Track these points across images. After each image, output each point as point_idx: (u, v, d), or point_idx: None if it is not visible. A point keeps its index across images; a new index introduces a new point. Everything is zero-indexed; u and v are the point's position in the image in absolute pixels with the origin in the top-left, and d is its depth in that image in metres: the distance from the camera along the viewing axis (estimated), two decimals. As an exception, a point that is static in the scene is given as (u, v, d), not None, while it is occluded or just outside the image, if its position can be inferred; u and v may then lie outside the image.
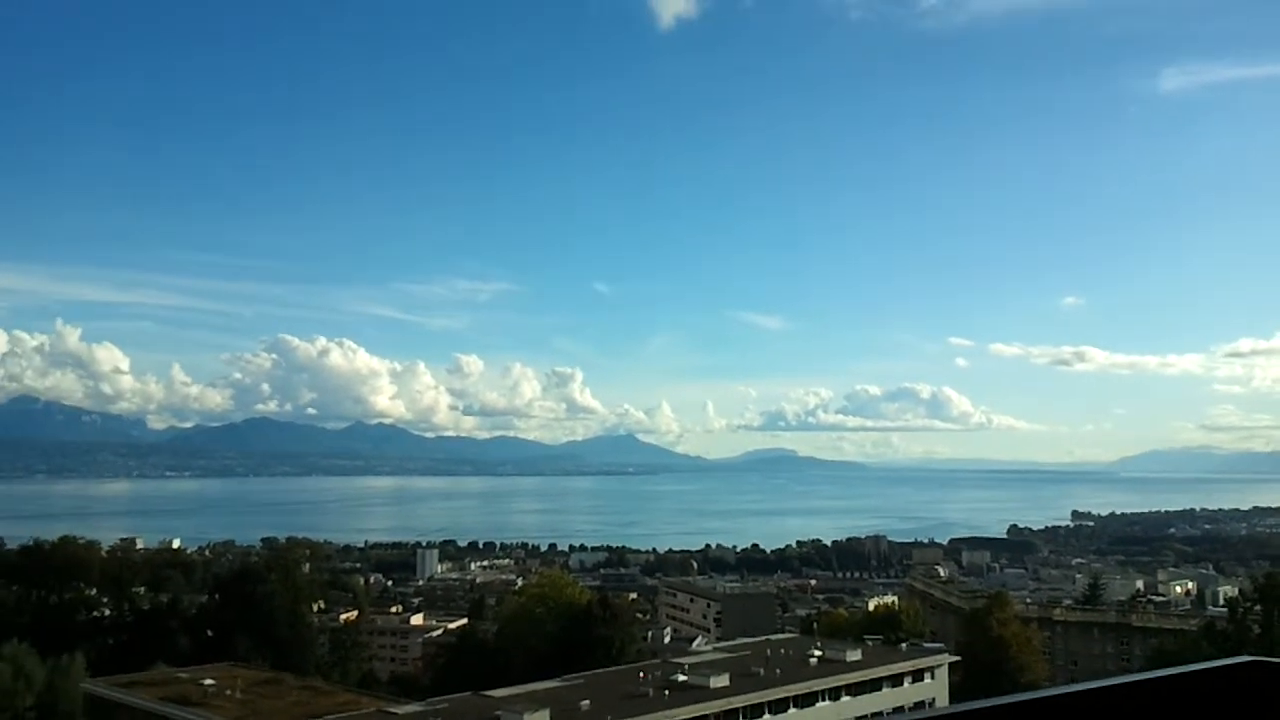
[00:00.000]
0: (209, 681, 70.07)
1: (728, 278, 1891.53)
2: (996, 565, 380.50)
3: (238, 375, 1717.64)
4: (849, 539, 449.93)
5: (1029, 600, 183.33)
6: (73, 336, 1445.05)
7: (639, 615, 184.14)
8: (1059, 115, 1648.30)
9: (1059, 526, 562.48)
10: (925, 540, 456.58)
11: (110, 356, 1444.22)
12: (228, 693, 67.03)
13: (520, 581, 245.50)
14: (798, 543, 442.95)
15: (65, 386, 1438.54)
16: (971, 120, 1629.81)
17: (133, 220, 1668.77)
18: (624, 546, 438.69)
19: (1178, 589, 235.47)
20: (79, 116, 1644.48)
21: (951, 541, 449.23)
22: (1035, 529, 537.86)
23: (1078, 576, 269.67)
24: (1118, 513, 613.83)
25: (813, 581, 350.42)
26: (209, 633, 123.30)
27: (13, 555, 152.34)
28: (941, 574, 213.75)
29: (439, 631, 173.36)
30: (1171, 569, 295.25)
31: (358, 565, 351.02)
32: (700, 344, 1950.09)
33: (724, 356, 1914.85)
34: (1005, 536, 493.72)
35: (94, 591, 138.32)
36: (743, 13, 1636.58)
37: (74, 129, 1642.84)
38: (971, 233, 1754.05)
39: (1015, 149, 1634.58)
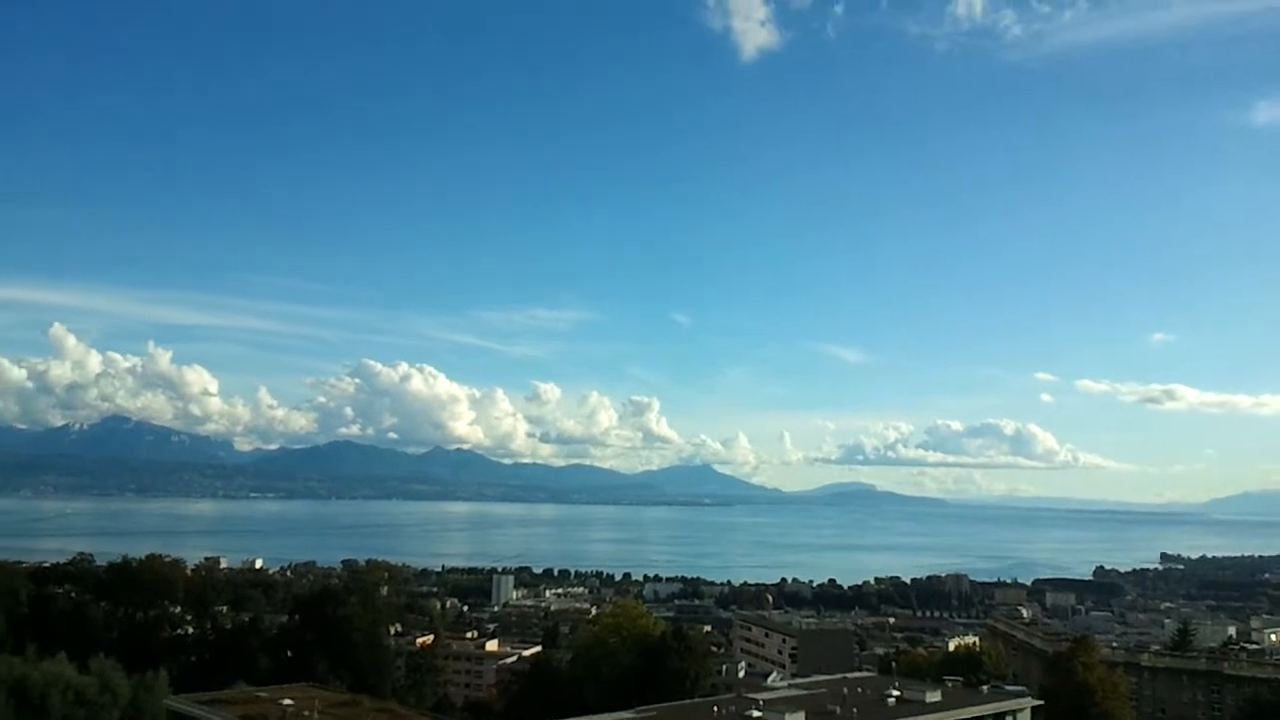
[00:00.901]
0: (288, 702, 70.75)
1: (807, 310, 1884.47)
2: (1081, 607, 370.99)
3: (322, 399, 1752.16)
4: (929, 577, 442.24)
5: (1115, 644, 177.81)
6: (164, 359, 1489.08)
7: (713, 648, 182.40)
8: (1148, 148, 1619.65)
9: (1147, 569, 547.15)
10: (1008, 580, 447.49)
11: (199, 379, 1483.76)
12: (306, 713, 67.60)
13: (594, 610, 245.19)
14: (876, 579, 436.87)
15: (156, 407, 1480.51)
16: (1059, 152, 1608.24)
17: (225, 247, 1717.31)
18: (699, 578, 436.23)
19: (1272, 636, 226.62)
20: (175, 152, 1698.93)
21: (1035, 582, 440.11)
22: (1122, 571, 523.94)
23: (1166, 621, 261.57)
24: (1208, 556, 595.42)
25: (891, 619, 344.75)
26: (288, 653, 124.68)
27: (101, 572, 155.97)
28: (1025, 615, 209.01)
29: (513, 658, 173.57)
30: (1265, 615, 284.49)
31: (434, 589, 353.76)
32: (778, 375, 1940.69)
33: (802, 388, 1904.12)
34: (1091, 578, 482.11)
35: (178, 609, 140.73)
36: (826, 45, 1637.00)
37: (169, 162, 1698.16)
38: (1058, 267, 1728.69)
39: (1103, 182, 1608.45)
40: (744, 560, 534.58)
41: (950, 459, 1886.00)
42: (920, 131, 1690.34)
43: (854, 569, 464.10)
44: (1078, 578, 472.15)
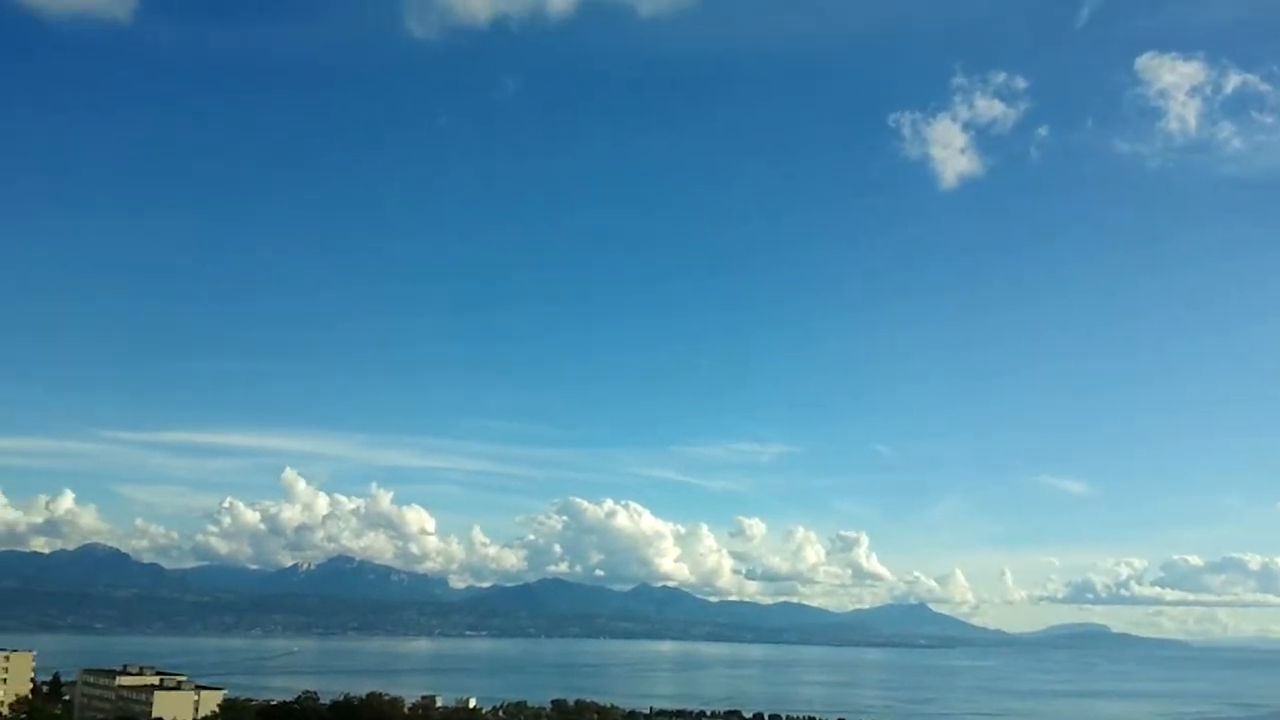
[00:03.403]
0: None
1: (1021, 439, 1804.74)
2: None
3: (531, 536, 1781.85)
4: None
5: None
6: (385, 499, 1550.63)
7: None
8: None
9: None
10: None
11: (418, 518, 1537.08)
12: None
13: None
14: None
15: (377, 547, 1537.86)
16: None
17: (442, 393, 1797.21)
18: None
19: None
20: (392, 304, 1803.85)
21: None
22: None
23: None
24: None
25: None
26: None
27: (324, 709, 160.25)
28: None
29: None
30: None
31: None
32: (993, 508, 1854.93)
33: (1021, 522, 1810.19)
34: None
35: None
36: (1030, 167, 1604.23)
37: (388, 318, 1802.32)
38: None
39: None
40: (966, 708, 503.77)
41: (1190, 597, 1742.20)
42: (1135, 252, 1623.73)
43: (1088, 718, 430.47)
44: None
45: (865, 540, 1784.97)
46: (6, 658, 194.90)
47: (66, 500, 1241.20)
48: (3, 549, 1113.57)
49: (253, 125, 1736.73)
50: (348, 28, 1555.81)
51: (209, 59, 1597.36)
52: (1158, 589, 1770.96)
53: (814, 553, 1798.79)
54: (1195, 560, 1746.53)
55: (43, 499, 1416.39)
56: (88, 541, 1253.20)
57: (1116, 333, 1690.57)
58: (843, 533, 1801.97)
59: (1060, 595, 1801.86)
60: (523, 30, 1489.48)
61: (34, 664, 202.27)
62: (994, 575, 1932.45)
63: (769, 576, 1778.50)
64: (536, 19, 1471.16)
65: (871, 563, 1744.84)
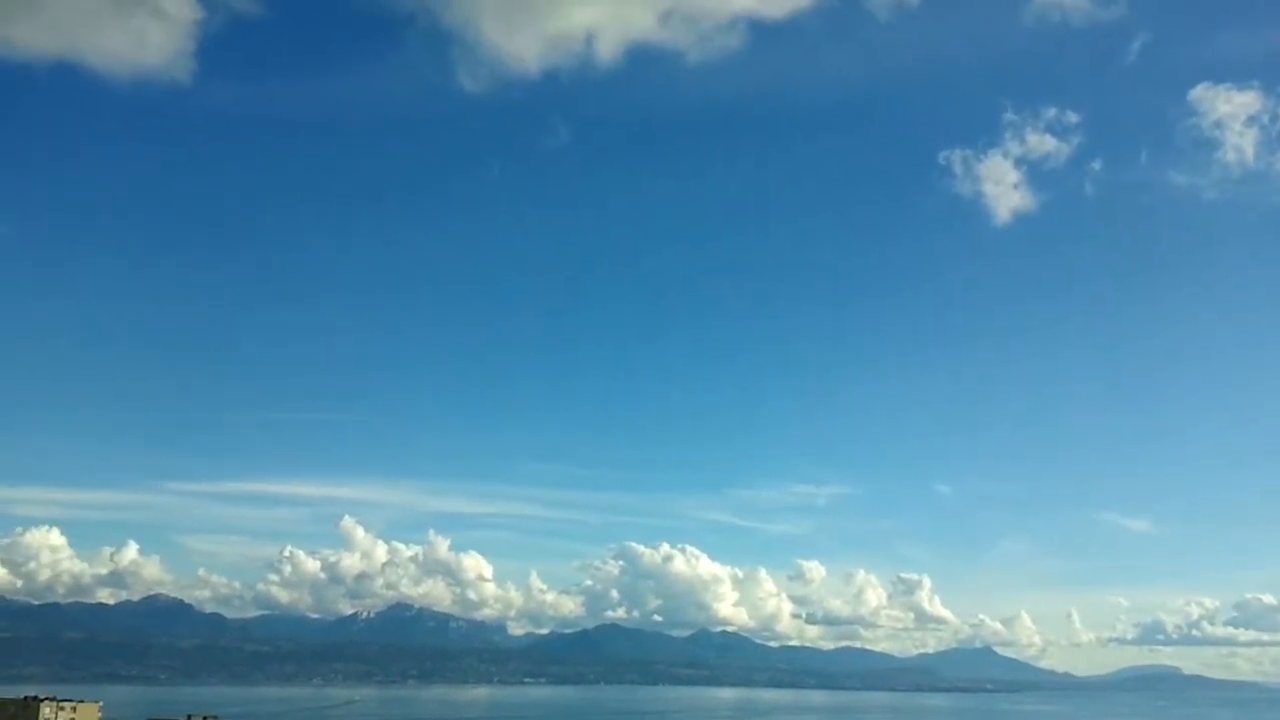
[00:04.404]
0: None
1: (1084, 476, 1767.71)
2: None
3: (589, 581, 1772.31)
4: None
5: None
6: (443, 546, 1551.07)
7: None
8: None
9: None
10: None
11: (475, 565, 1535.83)
12: None
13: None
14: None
15: (436, 594, 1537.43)
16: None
17: (497, 437, 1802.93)
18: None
19: None
20: (447, 350, 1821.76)
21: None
22: None
23: None
24: None
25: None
26: None
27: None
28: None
29: None
30: None
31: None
32: (1057, 548, 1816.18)
33: (1086, 562, 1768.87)
34: None
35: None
36: (1085, 202, 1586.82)
37: (442, 361, 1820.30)
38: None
39: None
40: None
41: (1265, 637, 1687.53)
42: (1194, 285, 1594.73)
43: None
44: None
45: (927, 582, 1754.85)
46: (74, 709, 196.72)
47: (131, 551, 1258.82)
48: (69, 600, 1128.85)
49: (308, 178, 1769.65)
50: (401, 82, 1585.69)
51: (266, 115, 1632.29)
52: (1230, 629, 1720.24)
53: (875, 596, 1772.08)
54: (1269, 599, 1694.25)
55: (107, 550, 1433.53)
56: (151, 592, 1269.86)
57: (1177, 367, 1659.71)
58: (904, 575, 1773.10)
59: (1129, 636, 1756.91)
60: (572, 80, 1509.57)
61: (100, 715, 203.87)
62: (1060, 617, 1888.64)
63: (830, 620, 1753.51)
64: (586, 68, 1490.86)
65: (934, 605, 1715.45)
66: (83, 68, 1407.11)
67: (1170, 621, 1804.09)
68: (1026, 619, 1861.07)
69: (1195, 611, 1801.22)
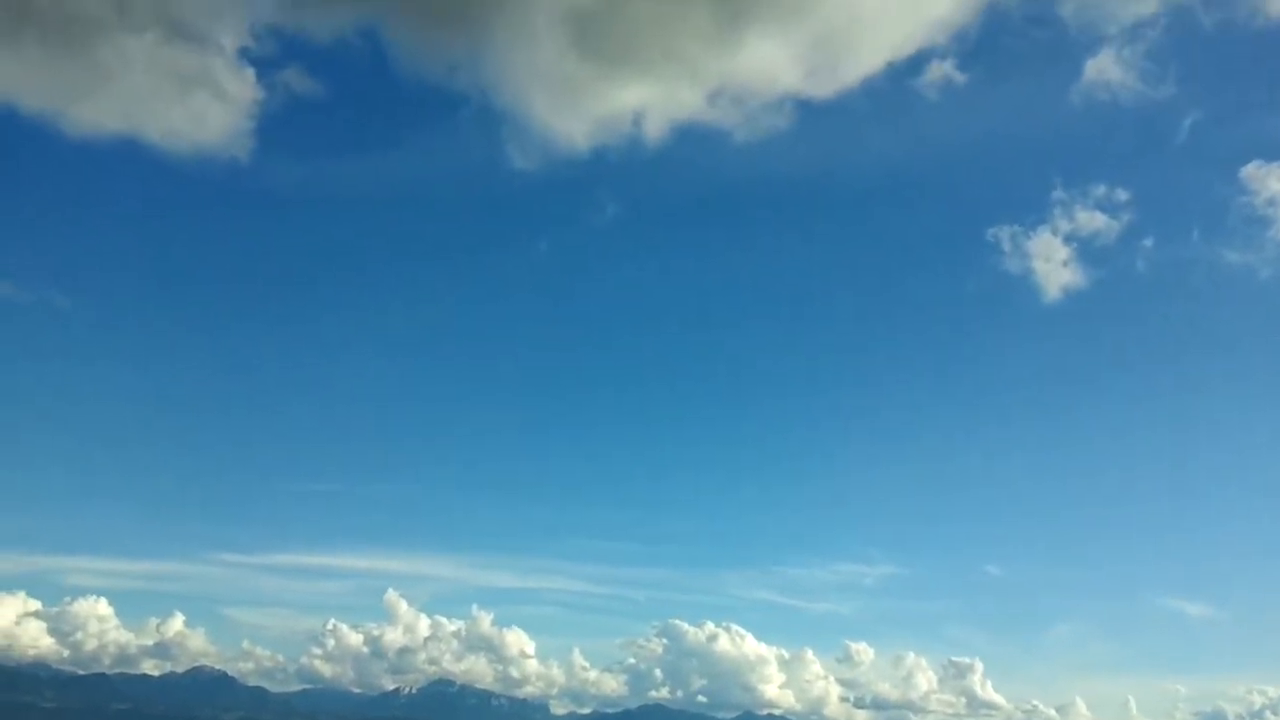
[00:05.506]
0: None
1: (1139, 558, 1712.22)
2: None
3: (631, 660, 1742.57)
4: None
5: None
6: (486, 621, 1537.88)
7: None
8: None
9: None
10: None
11: (518, 641, 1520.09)
12: None
13: None
14: None
15: (478, 670, 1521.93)
16: None
17: (541, 510, 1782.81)
18: None
19: None
20: (492, 424, 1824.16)
21: None
22: None
23: None
24: None
25: None
26: None
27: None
28: None
29: None
30: None
31: None
32: (1113, 632, 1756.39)
33: (1143, 647, 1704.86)
34: None
35: None
36: (1137, 279, 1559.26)
37: (487, 434, 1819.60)
38: None
39: None
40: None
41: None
42: (1250, 363, 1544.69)
43: None
44: None
45: (979, 666, 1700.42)
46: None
47: (177, 623, 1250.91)
48: (115, 671, 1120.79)
49: (360, 251, 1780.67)
50: (453, 160, 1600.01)
51: (321, 191, 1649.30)
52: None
53: (925, 680, 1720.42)
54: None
55: (154, 621, 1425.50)
56: (196, 664, 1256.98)
57: (1236, 446, 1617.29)
58: (955, 659, 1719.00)
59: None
60: (620, 158, 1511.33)
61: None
62: (1117, 703, 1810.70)
63: (878, 705, 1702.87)
64: (634, 147, 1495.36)
65: (987, 690, 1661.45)
66: (145, 145, 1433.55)
67: (1232, 710, 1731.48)
68: (1082, 705, 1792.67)
69: (1258, 700, 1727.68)
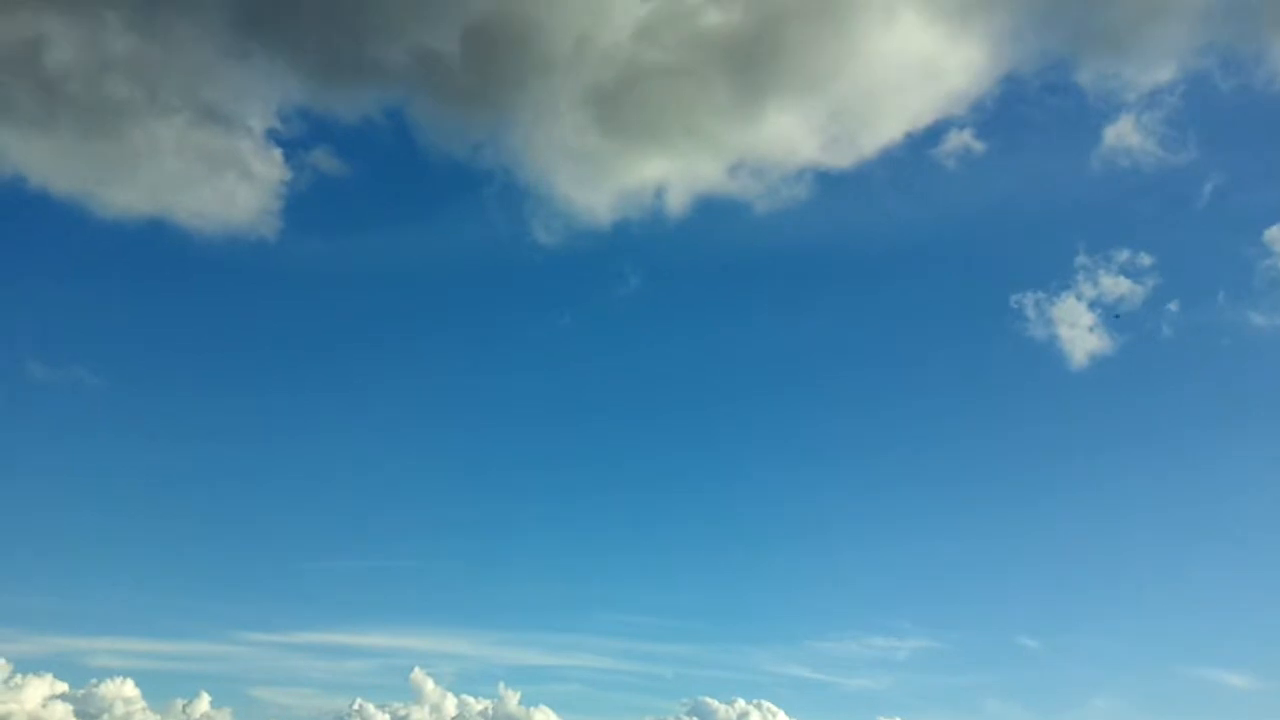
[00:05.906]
0: None
1: (1177, 629, 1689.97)
2: None
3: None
4: None
5: None
6: (513, 700, 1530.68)
7: None
8: None
9: None
10: None
11: (545, 719, 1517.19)
12: None
13: None
14: None
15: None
16: None
17: (568, 586, 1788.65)
18: None
19: None
20: (517, 500, 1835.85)
21: None
22: None
23: None
24: None
25: None
26: None
27: None
28: None
29: None
30: None
31: None
32: (1150, 705, 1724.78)
33: (1184, 719, 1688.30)
34: None
35: None
36: (1163, 343, 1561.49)
37: (513, 510, 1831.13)
38: None
39: None
40: None
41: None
42: (1275, 426, 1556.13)
43: None
44: None
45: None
46: None
47: (203, 704, 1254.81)
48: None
49: (386, 327, 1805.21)
50: (477, 235, 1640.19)
51: (347, 268, 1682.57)
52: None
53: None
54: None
55: (180, 703, 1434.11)
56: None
57: (1268, 512, 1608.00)
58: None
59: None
60: (642, 230, 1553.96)
61: None
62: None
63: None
64: (656, 219, 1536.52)
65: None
66: (174, 225, 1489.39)
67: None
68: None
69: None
